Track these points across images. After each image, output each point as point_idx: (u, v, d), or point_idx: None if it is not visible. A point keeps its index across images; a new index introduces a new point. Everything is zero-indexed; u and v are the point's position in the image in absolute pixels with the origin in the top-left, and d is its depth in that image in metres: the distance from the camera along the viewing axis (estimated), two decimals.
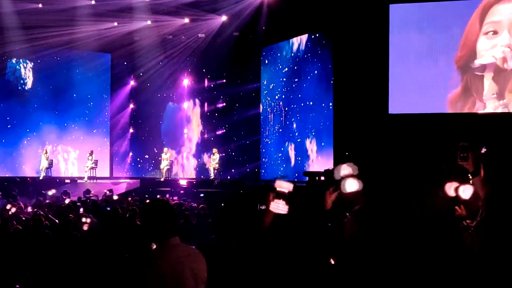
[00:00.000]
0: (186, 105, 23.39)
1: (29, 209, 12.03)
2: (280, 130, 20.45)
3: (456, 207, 4.16)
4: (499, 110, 14.07)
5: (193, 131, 23.43)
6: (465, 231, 4.00)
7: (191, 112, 23.40)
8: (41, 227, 8.09)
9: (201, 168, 22.91)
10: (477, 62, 14.23)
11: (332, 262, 3.44)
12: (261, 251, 3.43)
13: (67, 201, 13.49)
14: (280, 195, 3.79)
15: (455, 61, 14.78)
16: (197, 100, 23.26)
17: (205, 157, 22.86)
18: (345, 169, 4.08)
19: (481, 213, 3.96)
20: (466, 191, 4.18)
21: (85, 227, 8.53)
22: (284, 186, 3.85)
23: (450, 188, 4.23)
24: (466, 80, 14.61)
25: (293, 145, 19.71)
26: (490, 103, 14.28)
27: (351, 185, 3.93)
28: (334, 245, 2.92)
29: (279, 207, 3.70)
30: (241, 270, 3.43)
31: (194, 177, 22.49)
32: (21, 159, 21.73)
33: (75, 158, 22.58)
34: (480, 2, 14.36)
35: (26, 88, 21.85)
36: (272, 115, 20.95)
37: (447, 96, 14.79)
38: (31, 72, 21.81)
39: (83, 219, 8.84)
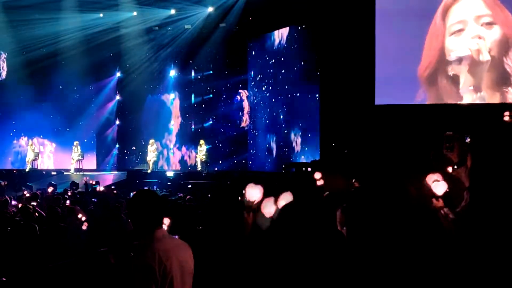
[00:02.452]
0: (173, 96, 23.28)
1: (14, 201, 11.92)
2: (267, 121, 20.44)
3: (433, 199, 4.13)
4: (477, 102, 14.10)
5: (180, 123, 23.32)
6: (445, 220, 3.99)
7: (178, 103, 23.27)
8: (30, 219, 8.00)
9: (186, 161, 22.89)
10: (453, 55, 14.14)
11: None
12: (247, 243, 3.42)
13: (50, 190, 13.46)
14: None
15: (420, 74, 14.69)
16: (184, 92, 23.14)
17: (183, 149, 22.88)
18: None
19: (465, 200, 3.98)
20: (438, 187, 4.17)
21: (84, 227, 8.40)
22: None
23: (430, 180, 4.21)
24: (436, 90, 14.60)
25: (280, 137, 19.72)
26: (467, 96, 14.28)
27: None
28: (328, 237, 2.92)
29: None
30: (226, 260, 3.44)
31: (179, 169, 22.44)
32: (7, 152, 21.58)
33: (51, 151, 22.43)
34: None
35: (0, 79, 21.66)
36: (259, 107, 20.94)
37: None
38: (5, 62, 21.60)
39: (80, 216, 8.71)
